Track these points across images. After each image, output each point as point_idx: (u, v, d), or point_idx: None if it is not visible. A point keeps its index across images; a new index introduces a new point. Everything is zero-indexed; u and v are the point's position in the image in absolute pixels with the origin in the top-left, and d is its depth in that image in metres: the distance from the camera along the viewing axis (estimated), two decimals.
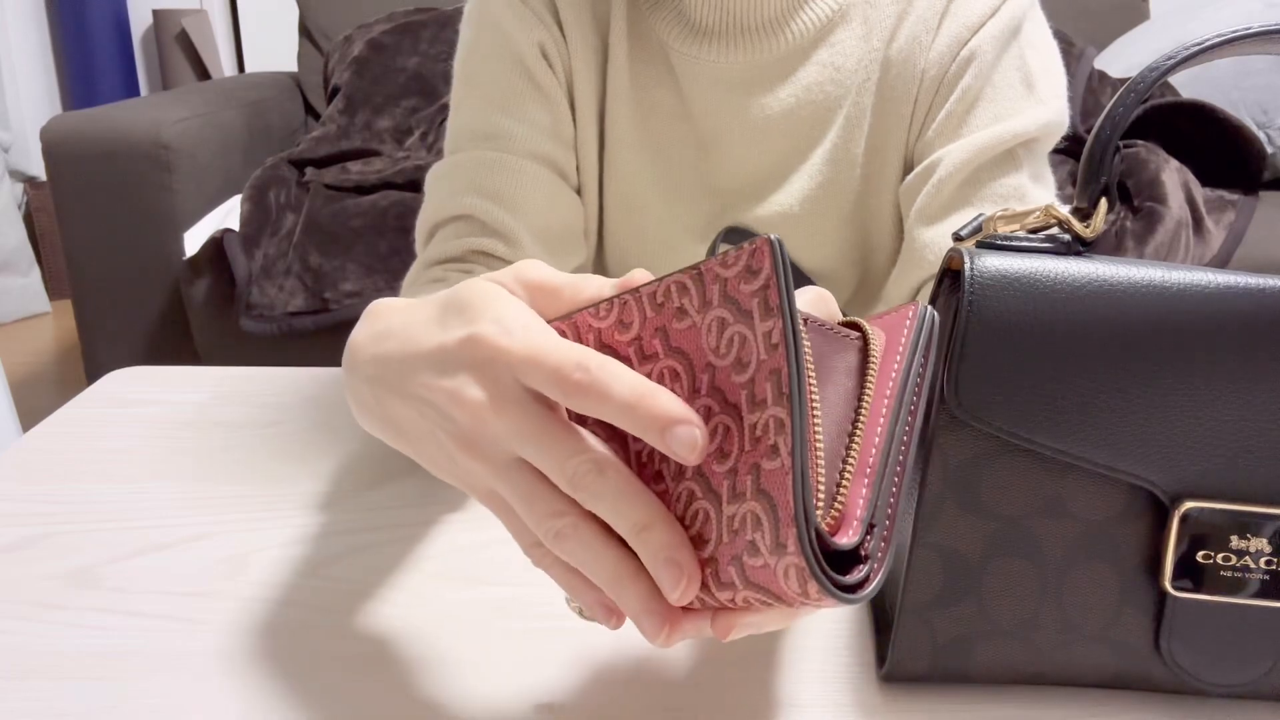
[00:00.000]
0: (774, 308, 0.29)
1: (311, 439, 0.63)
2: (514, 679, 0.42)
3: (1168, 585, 0.38)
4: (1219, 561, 0.37)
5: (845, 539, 0.29)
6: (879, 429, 0.31)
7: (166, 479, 0.58)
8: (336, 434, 0.64)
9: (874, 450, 0.30)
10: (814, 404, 0.30)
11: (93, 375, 1.87)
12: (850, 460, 0.30)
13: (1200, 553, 0.37)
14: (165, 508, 0.55)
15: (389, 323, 0.39)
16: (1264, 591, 0.37)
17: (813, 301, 0.35)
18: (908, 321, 0.33)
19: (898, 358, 0.32)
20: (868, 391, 0.32)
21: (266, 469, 0.59)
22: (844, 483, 0.30)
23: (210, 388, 0.71)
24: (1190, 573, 0.37)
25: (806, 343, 0.30)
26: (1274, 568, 0.37)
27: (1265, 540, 0.37)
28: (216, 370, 0.74)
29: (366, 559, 0.50)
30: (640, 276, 0.34)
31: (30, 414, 2.13)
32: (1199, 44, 0.37)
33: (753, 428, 0.29)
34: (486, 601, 0.47)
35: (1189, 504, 0.37)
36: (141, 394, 0.70)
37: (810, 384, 0.29)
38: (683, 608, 0.32)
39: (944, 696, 0.41)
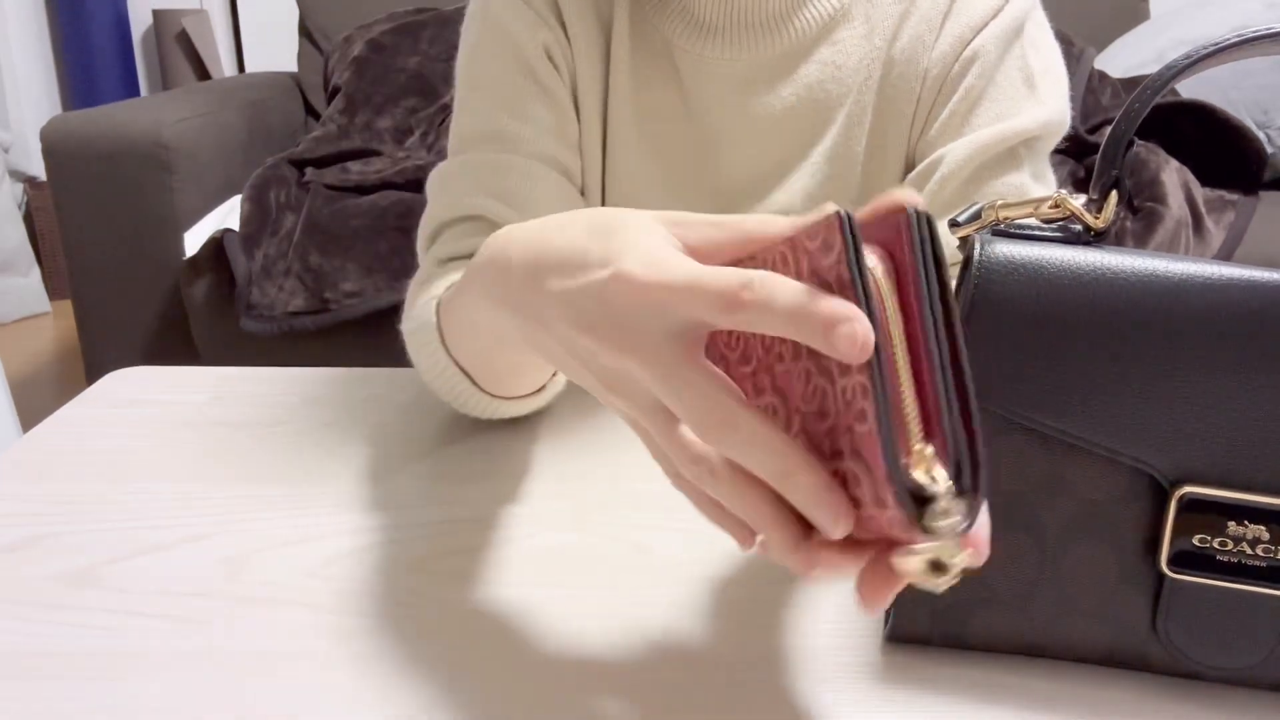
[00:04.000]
0: (847, 282, 0.30)
1: (312, 439, 0.63)
2: (514, 679, 0.42)
3: (1164, 568, 0.38)
4: (1216, 547, 0.38)
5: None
6: (925, 367, 0.30)
7: (166, 479, 0.58)
8: (337, 434, 0.64)
9: (929, 389, 0.30)
10: (895, 366, 0.30)
11: (93, 375, 1.87)
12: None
13: (1197, 537, 0.38)
14: (165, 508, 0.55)
15: (524, 248, 0.39)
16: (1260, 578, 0.38)
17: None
18: (905, 236, 0.31)
19: (911, 282, 0.31)
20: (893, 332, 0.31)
21: (266, 469, 0.59)
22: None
23: (210, 388, 0.71)
24: (1187, 556, 0.38)
25: (892, 308, 0.31)
26: (1271, 555, 0.37)
27: (1263, 528, 0.37)
28: (216, 370, 0.74)
29: (366, 559, 0.50)
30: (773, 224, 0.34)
31: (30, 414, 2.13)
32: (1216, 44, 0.37)
33: (843, 391, 0.30)
34: (487, 601, 0.47)
35: (1188, 489, 0.38)
36: (141, 394, 0.70)
37: (892, 349, 0.30)
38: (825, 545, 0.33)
39: (943, 660, 0.42)
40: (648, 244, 0.34)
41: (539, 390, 0.60)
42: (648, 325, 0.33)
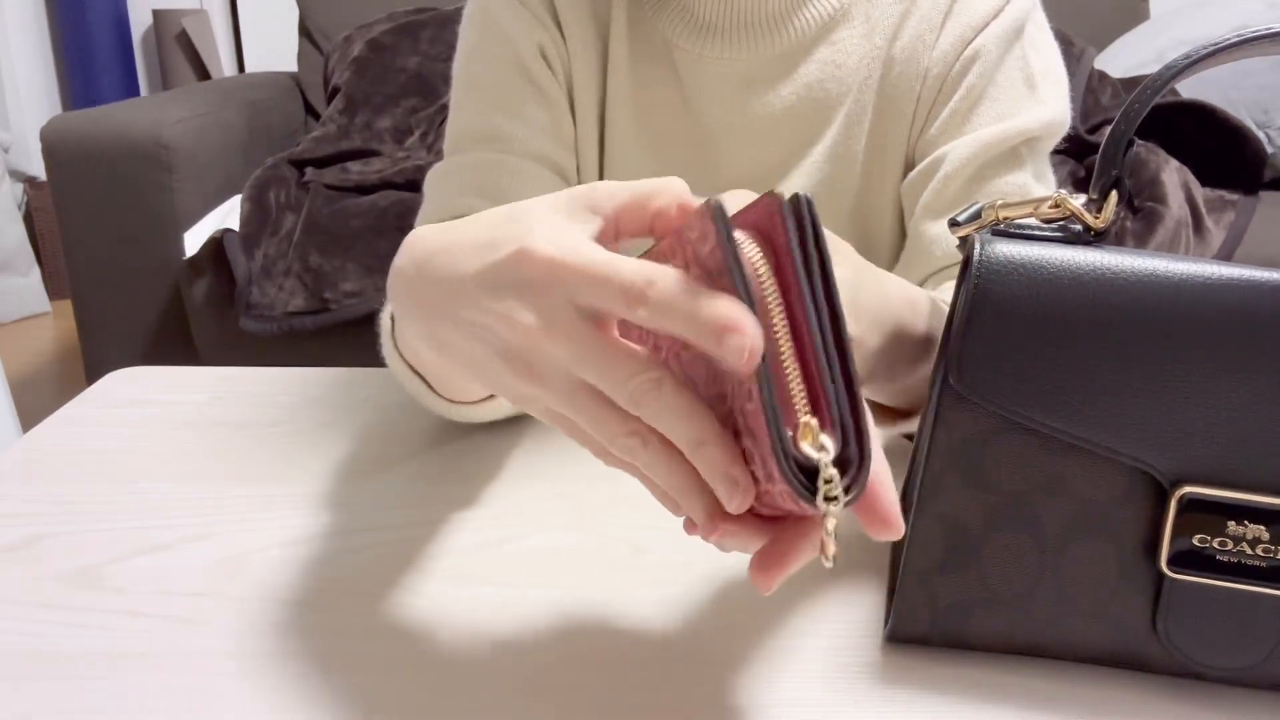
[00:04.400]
0: (724, 269, 0.30)
1: (311, 439, 0.63)
2: (513, 679, 0.42)
3: (1164, 567, 0.38)
4: (1215, 546, 0.38)
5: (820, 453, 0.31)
6: (808, 343, 0.31)
7: (166, 479, 0.58)
8: (337, 434, 0.64)
9: (812, 365, 0.31)
10: (778, 345, 0.31)
11: (93, 375, 1.87)
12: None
13: (1197, 536, 0.38)
14: (165, 508, 0.55)
15: (434, 245, 0.39)
16: (1260, 577, 0.38)
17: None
18: (778, 218, 0.32)
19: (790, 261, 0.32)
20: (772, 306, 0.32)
21: (266, 469, 0.59)
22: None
23: (210, 388, 0.71)
24: (1187, 556, 0.38)
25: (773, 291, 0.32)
26: (1270, 555, 0.38)
27: (1262, 528, 0.37)
28: (216, 370, 0.74)
29: (366, 559, 0.50)
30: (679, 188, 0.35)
31: (30, 414, 2.13)
32: (1216, 44, 0.37)
33: (735, 373, 0.31)
34: (486, 601, 0.47)
35: (1187, 489, 0.38)
36: (141, 394, 0.70)
37: (774, 329, 0.31)
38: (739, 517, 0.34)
39: (944, 660, 0.42)
40: (555, 224, 0.34)
41: (491, 396, 0.58)
42: (557, 297, 0.33)
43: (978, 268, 0.38)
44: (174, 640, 0.44)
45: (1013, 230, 0.39)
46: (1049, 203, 0.39)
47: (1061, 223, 0.39)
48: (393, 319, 0.57)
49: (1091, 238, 0.39)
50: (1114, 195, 0.38)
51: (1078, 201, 0.39)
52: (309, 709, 0.40)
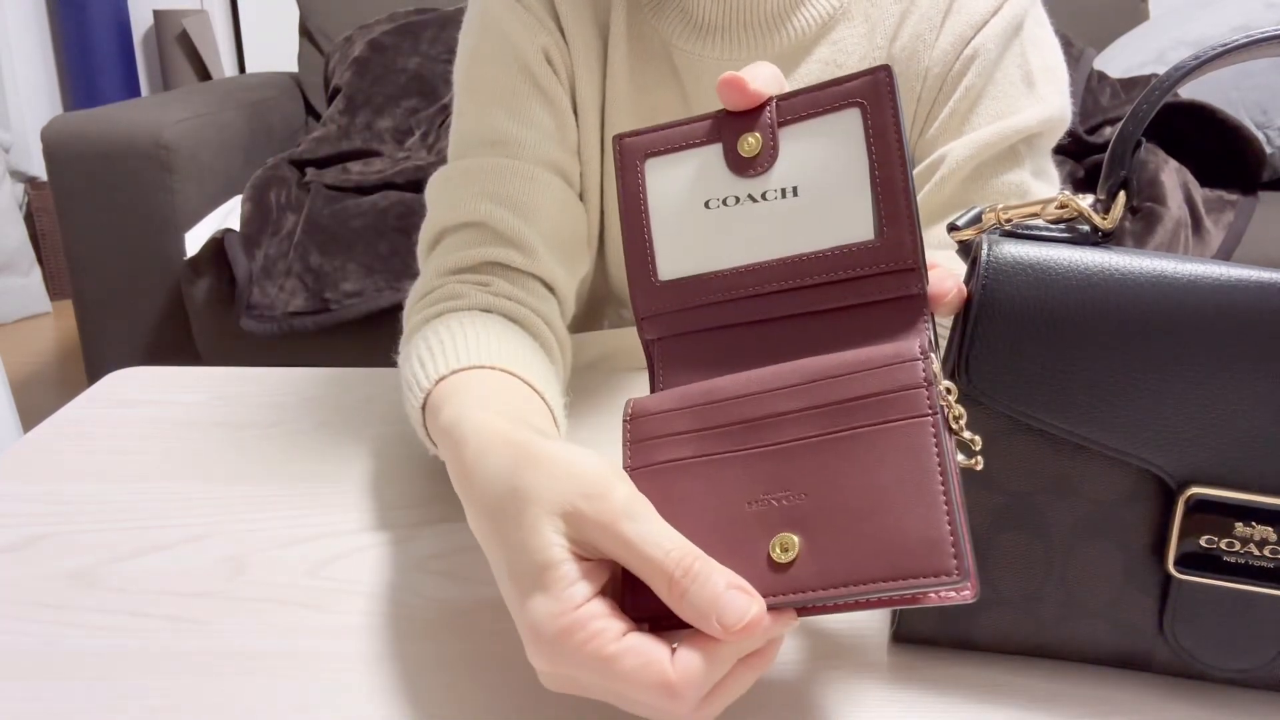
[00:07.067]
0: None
1: (311, 439, 0.63)
2: (514, 678, 0.41)
3: (1171, 568, 0.38)
4: (1223, 548, 0.38)
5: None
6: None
7: (166, 479, 0.58)
8: (336, 434, 0.64)
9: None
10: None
11: (93, 375, 1.87)
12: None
13: (1204, 538, 0.38)
14: (165, 508, 0.55)
15: (477, 505, 0.40)
16: (1267, 579, 0.38)
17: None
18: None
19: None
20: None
21: (266, 469, 0.59)
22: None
23: (210, 388, 0.71)
24: (1194, 557, 0.38)
25: None
26: (1277, 556, 0.37)
27: (1270, 529, 0.37)
28: (217, 370, 0.74)
29: (366, 559, 0.50)
30: None
31: (30, 414, 2.12)
32: (1225, 45, 0.37)
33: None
34: (486, 601, 0.47)
35: (1195, 490, 0.37)
36: (141, 394, 0.70)
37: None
38: None
39: (950, 661, 0.42)
40: (544, 611, 0.35)
41: None
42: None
43: (986, 268, 0.38)
44: (174, 640, 0.44)
45: (1020, 231, 0.39)
46: (1056, 203, 0.39)
47: (1069, 223, 0.39)
48: (424, 410, 0.52)
49: (1099, 238, 0.39)
50: (1122, 195, 0.38)
51: (1084, 202, 0.39)
52: (309, 709, 0.40)
